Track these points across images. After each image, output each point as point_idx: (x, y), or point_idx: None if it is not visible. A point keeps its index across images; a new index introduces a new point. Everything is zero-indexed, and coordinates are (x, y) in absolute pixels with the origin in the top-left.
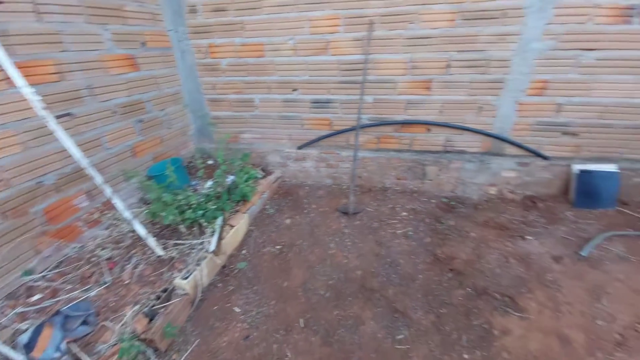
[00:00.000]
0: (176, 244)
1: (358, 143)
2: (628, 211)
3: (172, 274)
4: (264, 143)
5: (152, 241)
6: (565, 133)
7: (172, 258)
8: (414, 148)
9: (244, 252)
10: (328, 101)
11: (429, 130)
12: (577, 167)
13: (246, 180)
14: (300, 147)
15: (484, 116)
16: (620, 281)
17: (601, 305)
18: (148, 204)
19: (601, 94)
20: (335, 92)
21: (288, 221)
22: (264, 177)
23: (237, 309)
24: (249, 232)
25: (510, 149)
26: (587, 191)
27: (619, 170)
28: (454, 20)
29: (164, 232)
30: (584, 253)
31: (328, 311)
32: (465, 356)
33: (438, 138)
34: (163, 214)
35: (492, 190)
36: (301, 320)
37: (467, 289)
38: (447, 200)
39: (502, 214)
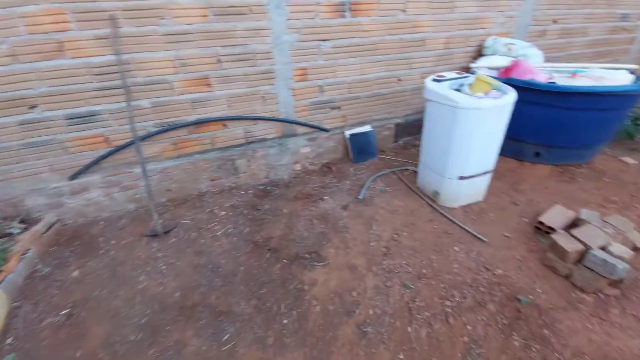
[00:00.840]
0: None
1: (143, 155)
2: (385, 156)
3: None
4: (11, 185)
5: None
6: (332, 108)
7: None
8: (217, 146)
9: (9, 340)
10: (91, 114)
11: (225, 125)
12: (347, 133)
13: None
14: (73, 177)
15: (269, 104)
16: (383, 208)
17: (372, 230)
18: None
19: (344, 74)
20: (97, 101)
21: (76, 273)
22: (24, 230)
23: None
24: (14, 310)
25: (300, 129)
26: (358, 149)
27: (372, 129)
28: (206, 15)
29: None
30: (360, 196)
31: (142, 355)
32: (285, 321)
33: (237, 131)
34: None
35: (298, 167)
36: None
37: (283, 260)
38: (263, 186)
39: (307, 185)
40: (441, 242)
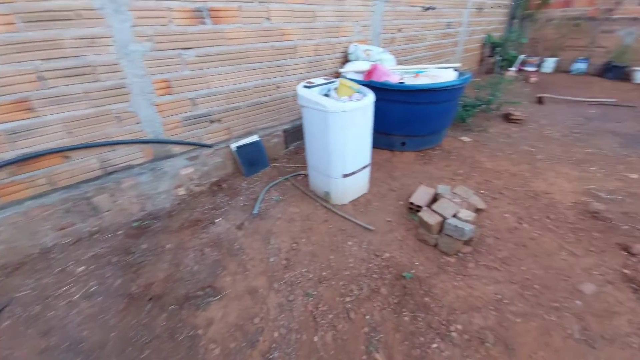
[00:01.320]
0: None
1: None
2: (278, 164)
3: None
4: None
5: None
6: (211, 121)
7: None
8: (60, 185)
9: None
10: None
11: (67, 157)
12: (234, 145)
13: None
14: None
15: (128, 125)
16: (280, 219)
17: (271, 245)
18: None
19: (218, 84)
20: None
21: None
22: None
23: None
24: None
25: (176, 148)
26: (248, 161)
27: (260, 138)
28: (13, 23)
29: None
30: (255, 211)
31: None
32: None
33: (88, 162)
34: None
35: (181, 191)
36: None
37: (170, 307)
38: (138, 222)
39: (195, 210)
40: (337, 240)
